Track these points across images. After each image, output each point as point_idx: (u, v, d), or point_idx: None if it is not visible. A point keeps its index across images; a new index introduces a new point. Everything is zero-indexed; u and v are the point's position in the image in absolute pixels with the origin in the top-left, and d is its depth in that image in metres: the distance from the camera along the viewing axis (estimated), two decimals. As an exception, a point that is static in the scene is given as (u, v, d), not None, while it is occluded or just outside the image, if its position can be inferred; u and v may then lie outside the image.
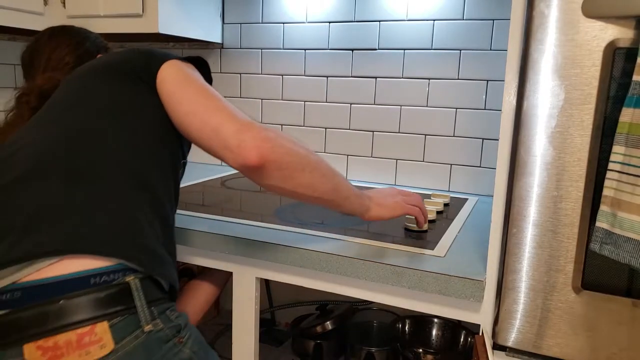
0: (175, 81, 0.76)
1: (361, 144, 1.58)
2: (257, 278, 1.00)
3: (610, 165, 0.65)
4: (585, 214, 0.72)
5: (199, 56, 0.88)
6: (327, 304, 1.54)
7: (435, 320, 1.41)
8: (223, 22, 1.70)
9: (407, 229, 1.03)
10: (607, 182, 0.65)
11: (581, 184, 0.71)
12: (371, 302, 1.49)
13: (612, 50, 0.67)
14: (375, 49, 1.52)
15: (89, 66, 0.82)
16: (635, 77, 0.62)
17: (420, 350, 1.22)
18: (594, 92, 0.69)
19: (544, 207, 0.74)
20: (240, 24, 1.69)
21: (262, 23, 1.65)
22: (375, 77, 1.54)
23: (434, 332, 1.41)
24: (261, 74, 1.68)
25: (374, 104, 1.55)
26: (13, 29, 1.37)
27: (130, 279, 0.58)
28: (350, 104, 1.59)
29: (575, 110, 0.70)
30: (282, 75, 1.65)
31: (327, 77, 1.60)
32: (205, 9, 1.61)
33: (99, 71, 0.79)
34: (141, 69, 0.77)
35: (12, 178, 0.64)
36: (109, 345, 0.52)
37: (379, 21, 1.50)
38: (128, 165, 0.68)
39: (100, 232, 0.58)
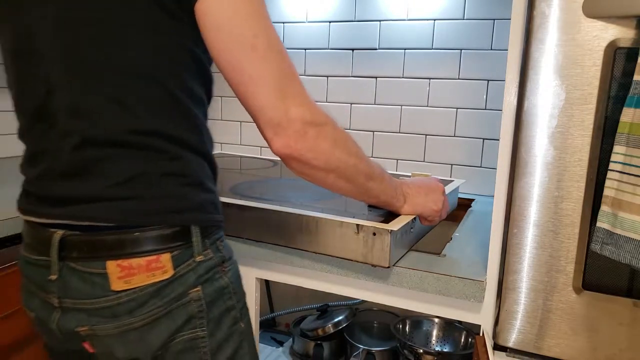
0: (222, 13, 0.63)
1: (361, 144, 1.57)
2: (257, 278, 1.00)
3: (611, 166, 0.65)
4: (586, 214, 0.71)
5: None
6: (327, 306, 1.54)
7: (436, 320, 1.41)
8: (223, 22, 1.70)
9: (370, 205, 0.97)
10: (607, 182, 0.65)
11: (582, 184, 0.71)
12: (371, 303, 1.49)
13: (612, 50, 0.67)
14: (376, 49, 1.52)
15: None
16: (636, 77, 0.62)
17: (421, 350, 1.22)
18: (595, 92, 0.68)
19: (545, 207, 0.74)
20: (241, 23, 1.68)
21: (262, 23, 1.65)
22: (376, 77, 1.54)
23: (434, 332, 1.40)
24: (261, 73, 1.68)
25: (375, 104, 1.55)
26: (13, 29, 1.37)
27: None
28: (351, 103, 1.59)
29: (576, 110, 0.70)
30: (282, 75, 1.65)
31: (327, 76, 1.60)
32: (205, 9, 1.60)
33: None
34: None
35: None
36: (170, 271, 0.65)
37: (380, 21, 1.50)
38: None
39: (160, 206, 0.67)
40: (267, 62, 0.64)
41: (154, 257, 0.65)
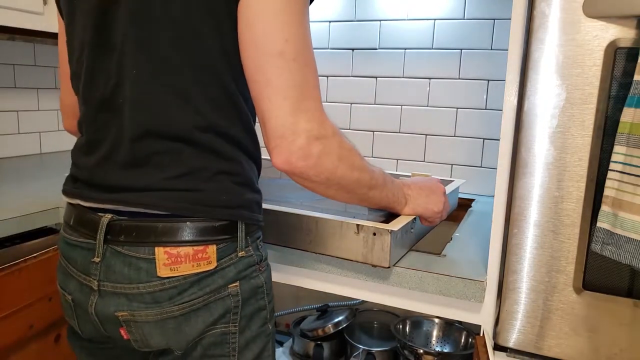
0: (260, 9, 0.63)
1: (362, 144, 1.58)
2: (257, 278, 1.00)
3: (612, 166, 0.65)
4: (587, 215, 0.71)
5: None
6: (327, 306, 1.54)
7: (436, 320, 1.41)
8: (223, 22, 1.70)
9: None
10: (608, 182, 0.65)
11: (582, 184, 0.71)
12: (371, 303, 1.49)
13: (613, 50, 0.66)
14: (376, 49, 1.52)
15: None
16: (636, 77, 0.62)
17: (421, 351, 1.22)
18: (595, 92, 0.68)
19: (545, 207, 0.74)
20: (241, 23, 1.68)
21: (262, 23, 1.65)
22: (376, 77, 1.54)
23: (435, 332, 1.40)
24: (261, 73, 1.68)
25: (375, 104, 1.55)
26: (13, 29, 1.37)
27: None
28: (351, 103, 1.58)
29: (577, 110, 0.70)
30: (282, 75, 1.64)
31: (327, 76, 1.60)
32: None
33: None
34: None
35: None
36: (213, 262, 0.67)
37: (380, 20, 1.50)
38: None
39: (213, 200, 0.69)
40: (289, 71, 0.63)
41: (202, 247, 0.67)
